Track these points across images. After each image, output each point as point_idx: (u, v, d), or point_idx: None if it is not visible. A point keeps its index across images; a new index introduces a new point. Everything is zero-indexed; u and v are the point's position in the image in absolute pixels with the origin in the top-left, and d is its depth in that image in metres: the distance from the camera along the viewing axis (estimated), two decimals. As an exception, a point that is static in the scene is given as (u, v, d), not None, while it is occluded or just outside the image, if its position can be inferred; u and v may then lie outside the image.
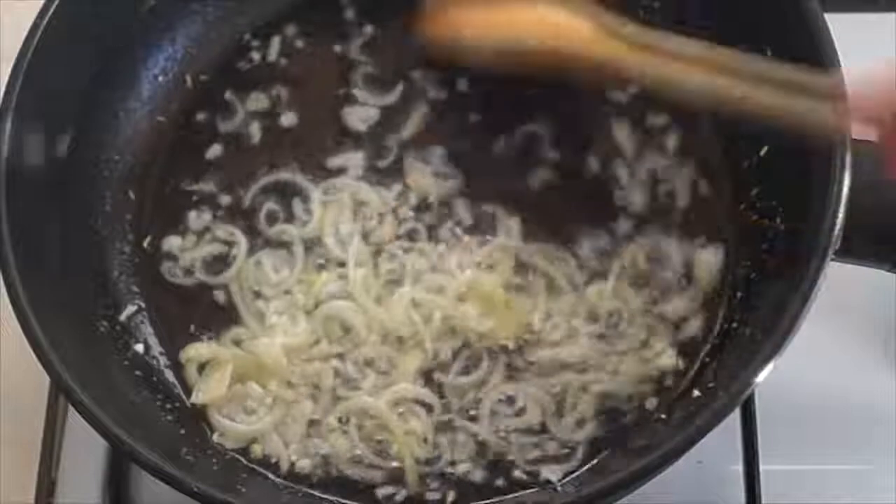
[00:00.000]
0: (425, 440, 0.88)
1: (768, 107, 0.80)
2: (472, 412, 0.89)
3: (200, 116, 1.01)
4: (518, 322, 0.91)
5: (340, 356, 0.91)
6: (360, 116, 1.00)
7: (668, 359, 0.89)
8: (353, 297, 0.92)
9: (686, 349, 0.90)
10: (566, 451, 0.87)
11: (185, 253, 0.96)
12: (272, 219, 0.96)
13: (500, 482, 0.87)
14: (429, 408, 0.89)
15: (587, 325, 0.91)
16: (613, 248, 0.93)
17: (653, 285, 0.92)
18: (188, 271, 0.96)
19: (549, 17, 0.91)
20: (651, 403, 0.88)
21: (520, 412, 0.89)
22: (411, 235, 0.95)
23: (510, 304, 0.91)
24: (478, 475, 0.88)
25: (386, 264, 0.93)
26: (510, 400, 0.89)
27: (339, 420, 0.89)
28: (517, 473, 0.87)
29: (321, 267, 0.94)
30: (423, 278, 0.92)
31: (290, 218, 0.96)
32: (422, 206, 0.96)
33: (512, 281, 0.92)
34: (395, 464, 0.88)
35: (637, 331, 0.91)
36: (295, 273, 0.94)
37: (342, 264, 0.94)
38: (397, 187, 0.96)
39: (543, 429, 0.88)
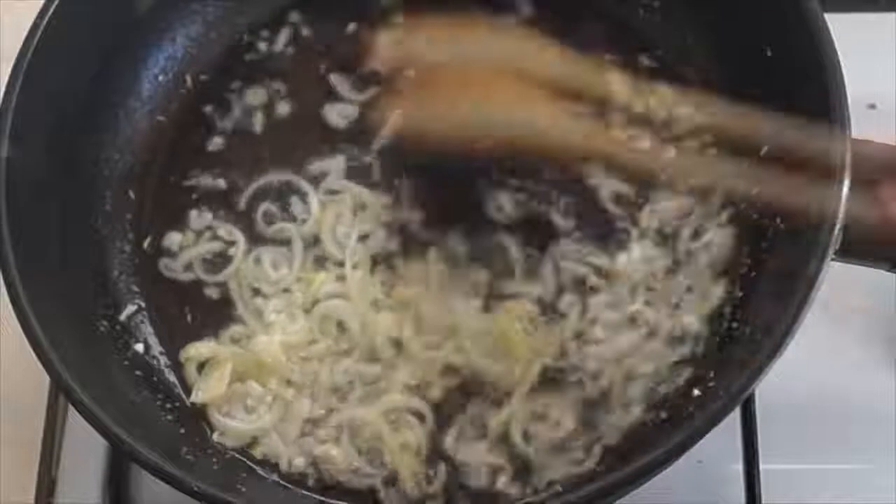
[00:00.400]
0: (419, 452, 0.88)
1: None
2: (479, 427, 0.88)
3: (200, 115, 1.01)
4: (538, 356, 0.89)
5: (336, 359, 0.91)
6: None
7: (694, 325, 0.89)
8: (350, 298, 0.92)
9: (711, 317, 0.89)
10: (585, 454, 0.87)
11: (185, 250, 0.96)
12: (271, 216, 0.96)
13: (502, 484, 0.87)
14: (421, 418, 0.89)
15: (625, 311, 0.91)
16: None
17: (673, 248, 0.92)
18: (187, 268, 0.96)
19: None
20: (687, 374, 0.88)
21: (554, 425, 0.88)
22: (407, 247, 0.94)
23: (527, 345, 0.89)
24: (479, 479, 0.87)
25: (383, 272, 0.93)
26: (542, 416, 0.88)
27: (335, 429, 0.89)
28: (520, 475, 0.87)
29: (320, 266, 0.94)
30: (428, 314, 0.91)
31: (289, 216, 0.96)
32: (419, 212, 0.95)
33: (533, 313, 0.91)
34: (391, 472, 0.88)
35: (665, 302, 0.90)
36: (294, 271, 0.94)
37: (340, 264, 0.94)
38: (394, 191, 0.96)
39: (575, 434, 0.87)
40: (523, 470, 0.87)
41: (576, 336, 0.90)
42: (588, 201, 0.94)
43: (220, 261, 0.96)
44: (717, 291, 0.90)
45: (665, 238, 0.92)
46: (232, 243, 0.96)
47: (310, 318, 0.92)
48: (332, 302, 0.92)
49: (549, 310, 0.91)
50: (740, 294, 0.89)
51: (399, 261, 0.93)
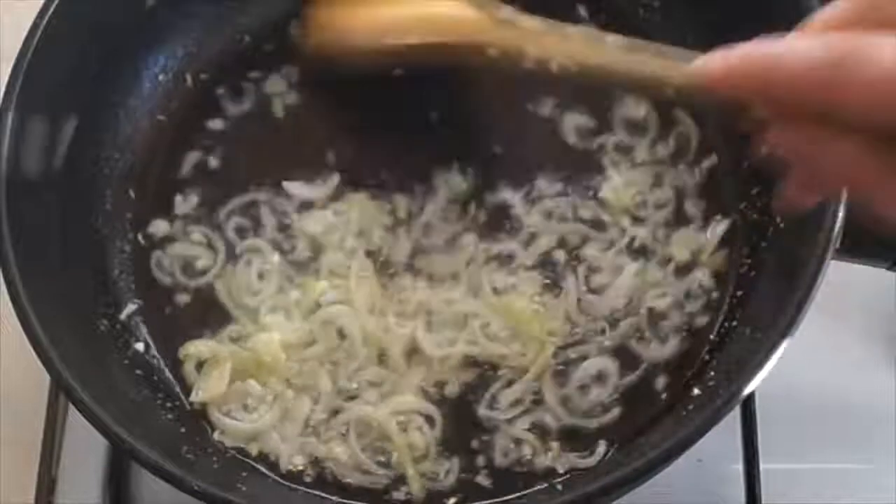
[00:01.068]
0: (426, 455, 0.87)
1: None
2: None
3: (201, 114, 1.01)
4: (551, 330, 0.90)
5: (338, 363, 0.90)
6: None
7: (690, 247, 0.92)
8: (353, 305, 0.91)
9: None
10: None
11: (175, 244, 0.96)
12: (256, 226, 0.96)
13: (503, 483, 0.87)
14: (431, 422, 0.88)
15: (622, 244, 0.92)
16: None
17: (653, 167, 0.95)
18: (181, 264, 0.96)
19: (434, 12, 0.88)
20: (709, 283, 0.90)
21: (596, 377, 0.89)
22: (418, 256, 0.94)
23: (540, 322, 0.90)
24: (483, 480, 0.87)
25: (394, 281, 0.93)
26: (582, 383, 0.89)
27: (342, 428, 0.88)
28: (524, 471, 0.87)
29: (320, 273, 0.93)
30: (438, 311, 0.91)
31: (287, 226, 0.96)
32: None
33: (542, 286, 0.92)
34: (397, 472, 0.87)
35: (659, 222, 0.93)
36: (294, 279, 0.93)
37: (344, 276, 0.93)
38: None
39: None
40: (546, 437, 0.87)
41: (579, 297, 0.91)
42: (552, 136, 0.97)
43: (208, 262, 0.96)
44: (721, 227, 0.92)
45: (643, 161, 0.95)
46: (218, 250, 0.96)
47: (309, 321, 0.91)
48: (333, 308, 0.91)
49: (548, 271, 0.92)
50: (740, 294, 0.89)
51: (403, 259, 0.93)
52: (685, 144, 0.96)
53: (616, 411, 0.88)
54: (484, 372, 0.89)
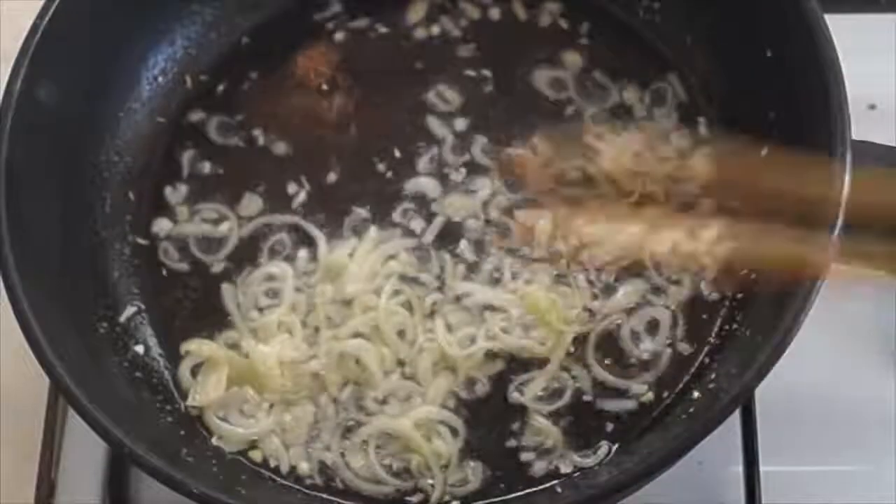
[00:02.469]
0: (448, 465, 0.87)
1: None
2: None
3: (200, 116, 1.01)
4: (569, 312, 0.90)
5: (360, 384, 0.90)
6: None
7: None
8: (380, 335, 0.90)
9: None
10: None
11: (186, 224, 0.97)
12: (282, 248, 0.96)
13: (506, 483, 0.87)
14: (455, 432, 0.88)
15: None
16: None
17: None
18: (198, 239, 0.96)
19: None
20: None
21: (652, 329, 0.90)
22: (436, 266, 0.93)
23: (557, 306, 0.90)
24: (488, 480, 0.87)
25: (404, 295, 0.92)
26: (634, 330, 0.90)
27: (360, 441, 0.88)
28: (526, 471, 0.87)
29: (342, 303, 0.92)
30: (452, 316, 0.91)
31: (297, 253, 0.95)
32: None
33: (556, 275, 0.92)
34: (412, 482, 0.87)
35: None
36: (306, 302, 0.93)
37: (373, 307, 0.92)
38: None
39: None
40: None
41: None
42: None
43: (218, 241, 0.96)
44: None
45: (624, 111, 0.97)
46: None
47: (314, 347, 0.91)
48: (353, 342, 0.90)
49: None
50: (740, 296, 0.89)
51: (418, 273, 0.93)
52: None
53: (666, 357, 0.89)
54: (508, 364, 0.89)
